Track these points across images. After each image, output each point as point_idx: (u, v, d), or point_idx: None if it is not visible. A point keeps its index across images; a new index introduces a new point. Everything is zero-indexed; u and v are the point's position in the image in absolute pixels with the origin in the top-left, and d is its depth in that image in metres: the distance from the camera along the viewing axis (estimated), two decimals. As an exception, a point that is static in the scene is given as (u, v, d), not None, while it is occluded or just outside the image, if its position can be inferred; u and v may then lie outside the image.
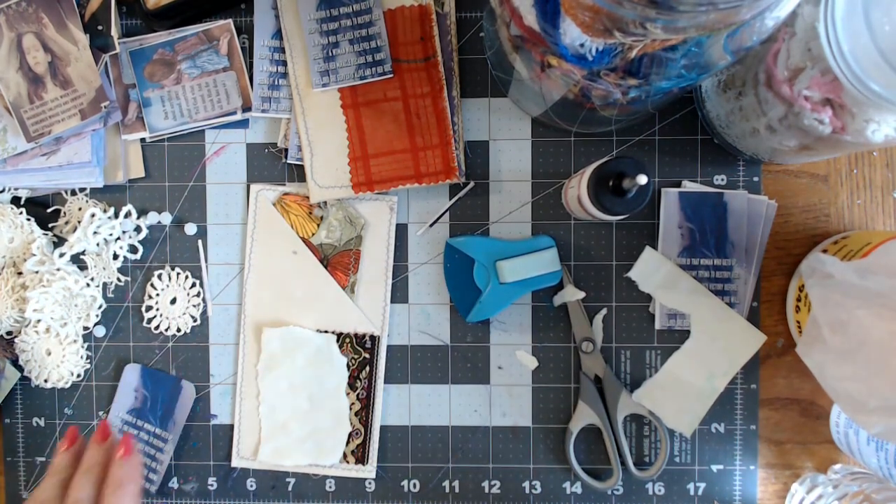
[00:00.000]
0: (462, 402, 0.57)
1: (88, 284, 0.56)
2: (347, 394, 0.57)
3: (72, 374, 0.57)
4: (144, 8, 0.54)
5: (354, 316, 0.56)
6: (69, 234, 0.57)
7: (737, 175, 0.56)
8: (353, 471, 0.57)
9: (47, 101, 0.54)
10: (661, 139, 0.56)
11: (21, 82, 0.53)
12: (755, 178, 0.56)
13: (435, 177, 0.54)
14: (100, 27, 0.55)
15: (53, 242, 0.57)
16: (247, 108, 0.56)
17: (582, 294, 0.56)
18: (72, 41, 0.53)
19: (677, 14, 0.31)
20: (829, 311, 0.44)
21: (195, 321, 0.58)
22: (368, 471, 0.57)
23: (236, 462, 0.57)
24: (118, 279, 0.57)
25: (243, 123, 0.57)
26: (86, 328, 0.57)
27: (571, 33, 0.36)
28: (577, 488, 0.57)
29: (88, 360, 0.58)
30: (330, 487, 0.57)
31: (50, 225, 0.57)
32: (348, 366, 0.57)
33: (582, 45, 0.36)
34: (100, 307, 0.57)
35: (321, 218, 0.57)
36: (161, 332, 0.58)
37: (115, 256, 0.57)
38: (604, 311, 0.56)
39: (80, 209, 0.57)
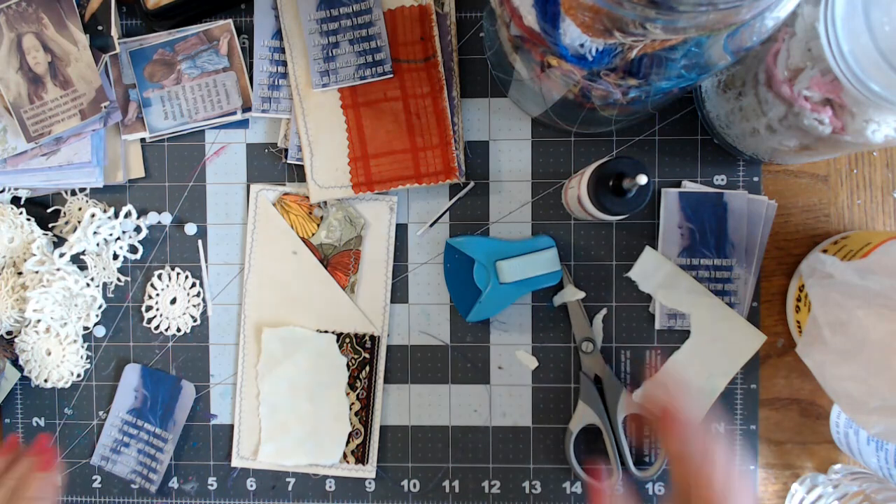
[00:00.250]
0: (462, 402, 0.57)
1: (88, 284, 0.56)
2: (347, 394, 0.57)
3: (72, 374, 0.57)
4: (144, 8, 0.54)
5: (354, 316, 0.56)
6: (69, 234, 0.57)
7: (737, 175, 0.56)
8: (353, 471, 0.57)
9: (47, 102, 0.54)
10: (661, 139, 0.56)
11: (21, 82, 0.53)
12: (755, 178, 0.56)
13: (435, 177, 0.54)
14: (100, 27, 0.55)
15: (53, 242, 0.57)
16: (247, 108, 0.56)
17: (582, 294, 0.56)
18: (72, 41, 0.53)
19: (677, 14, 0.31)
20: (829, 311, 0.44)
21: (195, 321, 0.58)
22: (368, 471, 0.57)
23: (236, 462, 0.57)
24: (118, 279, 0.57)
25: (243, 123, 0.57)
26: (86, 328, 0.57)
27: (571, 33, 0.36)
28: (577, 488, 0.57)
29: (88, 360, 0.58)
30: (330, 487, 0.57)
31: (50, 225, 0.57)
32: (348, 366, 0.57)
33: (582, 45, 0.36)
34: (100, 307, 0.57)
35: (321, 218, 0.57)
36: (161, 332, 0.58)
37: (115, 256, 0.57)
38: (604, 311, 0.56)
39: (80, 209, 0.57)
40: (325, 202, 0.56)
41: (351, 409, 0.56)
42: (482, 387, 0.57)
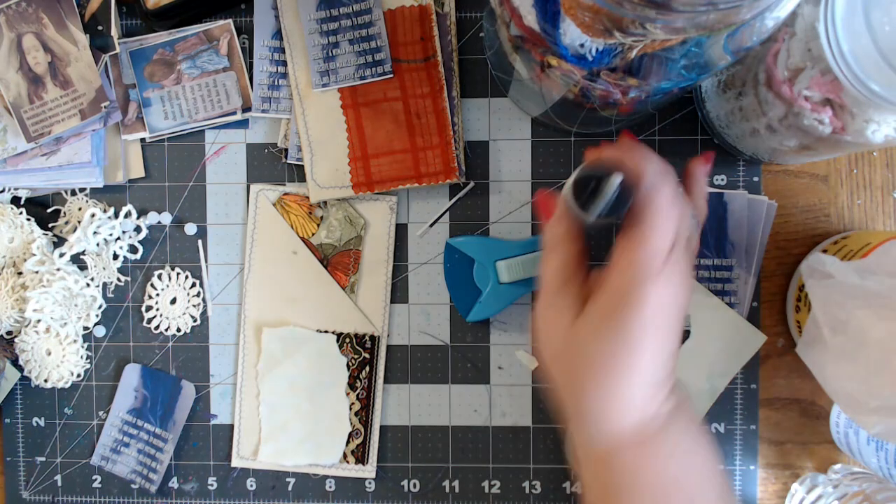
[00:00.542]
0: (462, 402, 0.57)
1: (88, 284, 0.56)
2: (347, 394, 0.57)
3: (72, 374, 0.57)
4: (144, 8, 0.54)
5: (354, 316, 0.56)
6: (69, 234, 0.57)
7: (737, 175, 0.56)
8: (353, 471, 0.57)
9: (47, 102, 0.54)
10: (661, 139, 0.56)
11: (21, 82, 0.54)
12: (755, 178, 0.56)
13: (435, 177, 0.54)
14: (100, 27, 0.55)
15: (53, 242, 0.57)
16: (247, 108, 0.56)
17: (582, 294, 0.56)
18: (72, 41, 0.53)
19: (677, 14, 0.31)
20: (829, 311, 0.44)
21: (195, 321, 0.58)
22: (368, 471, 0.57)
23: (236, 462, 0.57)
24: (118, 279, 0.57)
25: (243, 123, 0.57)
26: (86, 328, 0.57)
27: (571, 33, 0.36)
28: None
29: (88, 360, 0.58)
30: (330, 487, 0.57)
31: (50, 225, 0.57)
32: (348, 366, 0.57)
33: (582, 45, 0.36)
34: (100, 307, 0.57)
35: (321, 218, 0.57)
36: (161, 332, 0.58)
37: (115, 256, 0.57)
38: (604, 311, 0.56)
39: (80, 209, 0.57)
40: (325, 202, 0.56)
41: (351, 409, 0.57)
42: (482, 387, 0.57)
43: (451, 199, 0.57)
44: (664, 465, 0.38)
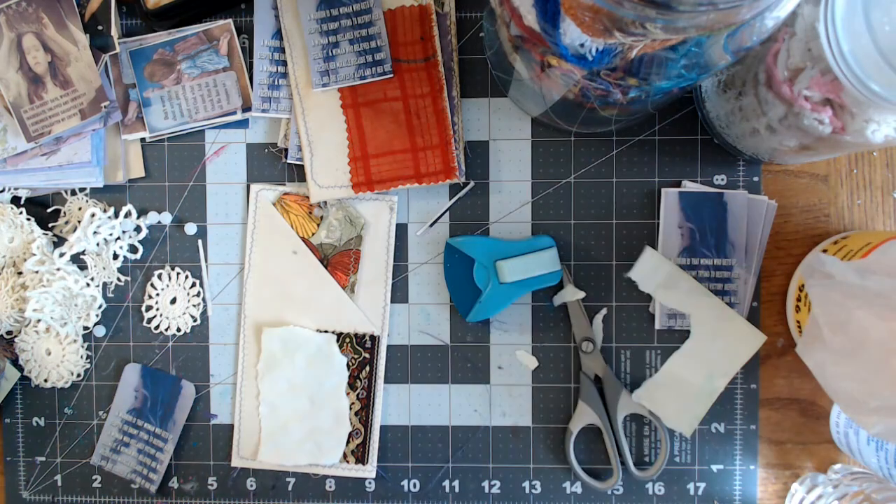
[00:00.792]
0: (462, 402, 0.57)
1: (88, 284, 0.56)
2: (347, 394, 0.57)
3: (72, 373, 0.57)
4: (144, 8, 0.54)
5: (354, 316, 0.56)
6: (69, 234, 0.57)
7: (737, 175, 0.56)
8: (353, 471, 0.57)
9: (47, 101, 0.54)
10: (661, 139, 0.56)
11: (21, 82, 0.54)
12: (755, 178, 0.56)
13: (435, 177, 0.54)
14: (100, 27, 0.55)
15: (53, 242, 0.57)
16: (247, 108, 0.56)
17: (582, 294, 0.56)
18: (72, 41, 0.53)
19: (677, 14, 0.31)
20: (829, 311, 0.44)
21: (195, 321, 0.58)
22: (368, 471, 0.57)
23: (236, 462, 0.57)
24: (118, 279, 0.57)
25: (243, 123, 0.57)
26: (86, 328, 0.57)
27: (571, 33, 0.36)
28: (577, 488, 0.57)
29: (88, 360, 0.58)
30: (330, 487, 0.57)
31: (50, 225, 0.57)
32: (348, 366, 0.57)
33: (582, 45, 0.36)
34: (100, 307, 0.57)
35: (321, 218, 0.57)
36: (161, 332, 0.58)
37: (115, 256, 0.57)
38: (604, 311, 0.56)
39: (80, 209, 0.57)
40: (325, 202, 0.56)
41: (351, 409, 0.57)
42: (482, 387, 0.57)
43: (451, 199, 0.57)
44: None
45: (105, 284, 0.58)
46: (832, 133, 0.41)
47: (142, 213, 0.57)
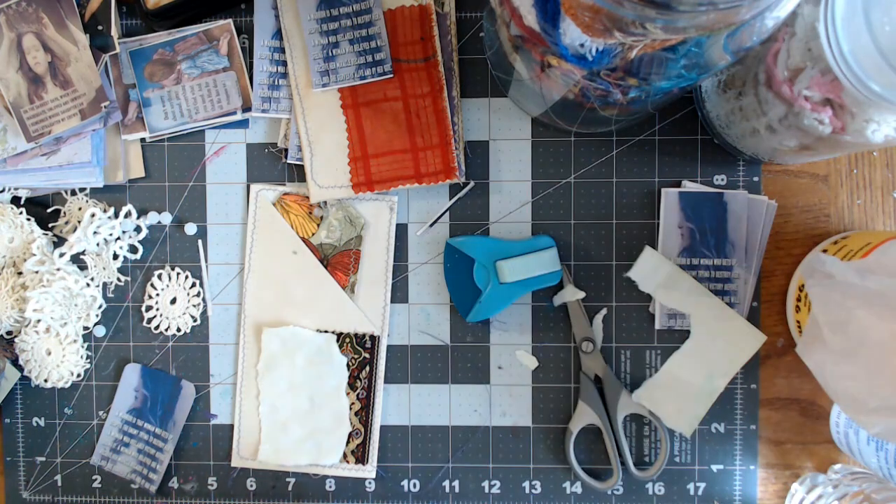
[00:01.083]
0: (462, 402, 0.57)
1: (88, 284, 0.56)
2: (347, 394, 0.57)
3: (72, 373, 0.57)
4: (144, 8, 0.54)
5: (354, 316, 0.56)
6: (69, 234, 0.57)
7: (737, 175, 0.56)
8: (353, 471, 0.57)
9: (47, 101, 0.54)
10: (661, 139, 0.56)
11: (21, 82, 0.54)
12: (755, 178, 0.56)
13: (435, 177, 0.54)
14: (100, 27, 0.55)
15: (53, 242, 0.57)
16: (247, 108, 0.56)
17: (582, 294, 0.56)
18: (72, 41, 0.53)
19: (677, 14, 0.31)
20: (829, 311, 0.44)
21: (195, 321, 0.58)
22: (368, 471, 0.57)
23: (236, 462, 0.57)
24: (118, 279, 0.57)
25: (243, 123, 0.57)
26: (86, 328, 0.57)
27: (571, 33, 0.36)
28: (577, 488, 0.57)
29: (88, 360, 0.58)
30: (330, 487, 0.57)
31: (50, 225, 0.57)
32: (348, 366, 0.57)
33: (582, 45, 0.36)
34: (100, 307, 0.57)
35: (321, 218, 0.57)
36: (161, 332, 0.58)
37: (115, 256, 0.57)
38: (604, 311, 0.56)
39: (80, 209, 0.57)
40: (325, 202, 0.56)
41: (351, 409, 0.57)
42: (482, 387, 0.57)
43: (451, 199, 0.57)
44: None
45: (105, 284, 0.58)
46: (832, 133, 0.41)
47: (142, 213, 0.57)
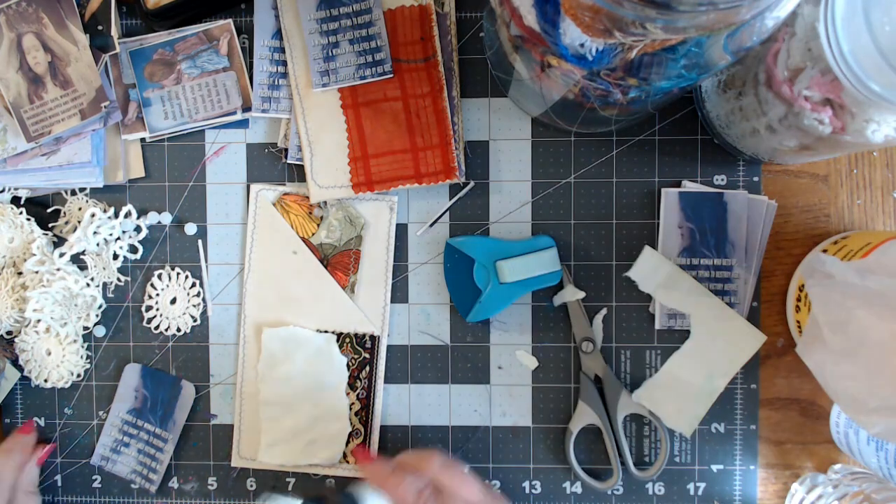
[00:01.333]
0: (462, 401, 0.57)
1: (88, 284, 0.56)
2: (347, 394, 0.57)
3: (72, 373, 0.57)
4: (144, 8, 0.54)
5: (354, 316, 0.56)
6: (69, 234, 0.57)
7: (737, 175, 0.56)
8: (353, 471, 0.57)
9: (47, 101, 0.54)
10: (661, 139, 0.56)
11: (21, 82, 0.54)
12: (755, 178, 0.56)
13: (435, 177, 0.54)
14: (100, 27, 0.55)
15: (53, 242, 0.57)
16: (247, 108, 0.56)
17: (582, 294, 0.56)
18: (72, 41, 0.53)
19: (677, 14, 0.31)
20: (829, 311, 0.44)
21: (195, 321, 0.58)
22: (368, 471, 0.57)
23: (236, 462, 0.57)
24: (118, 279, 0.57)
25: (243, 123, 0.57)
26: (86, 328, 0.57)
27: (571, 33, 0.36)
28: (577, 488, 0.57)
29: (88, 360, 0.58)
30: (330, 487, 0.57)
31: (50, 225, 0.57)
32: (348, 366, 0.57)
33: (582, 45, 0.36)
34: (100, 307, 0.57)
35: (321, 218, 0.57)
36: (161, 332, 0.58)
37: (115, 256, 0.57)
38: (604, 311, 0.56)
39: (80, 209, 0.57)
40: (325, 202, 0.56)
41: (351, 409, 0.56)
42: (482, 387, 0.57)
43: (451, 199, 0.57)
44: None
45: (105, 284, 0.58)
46: (832, 133, 0.41)
47: (142, 213, 0.57)
